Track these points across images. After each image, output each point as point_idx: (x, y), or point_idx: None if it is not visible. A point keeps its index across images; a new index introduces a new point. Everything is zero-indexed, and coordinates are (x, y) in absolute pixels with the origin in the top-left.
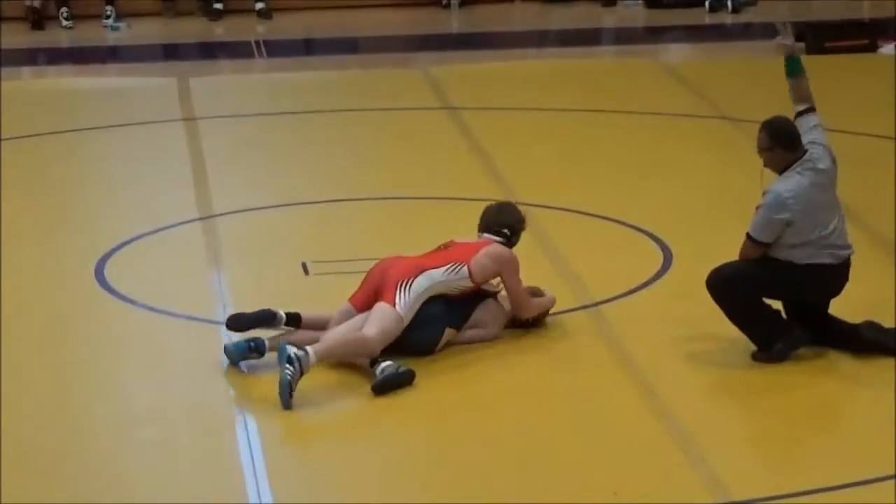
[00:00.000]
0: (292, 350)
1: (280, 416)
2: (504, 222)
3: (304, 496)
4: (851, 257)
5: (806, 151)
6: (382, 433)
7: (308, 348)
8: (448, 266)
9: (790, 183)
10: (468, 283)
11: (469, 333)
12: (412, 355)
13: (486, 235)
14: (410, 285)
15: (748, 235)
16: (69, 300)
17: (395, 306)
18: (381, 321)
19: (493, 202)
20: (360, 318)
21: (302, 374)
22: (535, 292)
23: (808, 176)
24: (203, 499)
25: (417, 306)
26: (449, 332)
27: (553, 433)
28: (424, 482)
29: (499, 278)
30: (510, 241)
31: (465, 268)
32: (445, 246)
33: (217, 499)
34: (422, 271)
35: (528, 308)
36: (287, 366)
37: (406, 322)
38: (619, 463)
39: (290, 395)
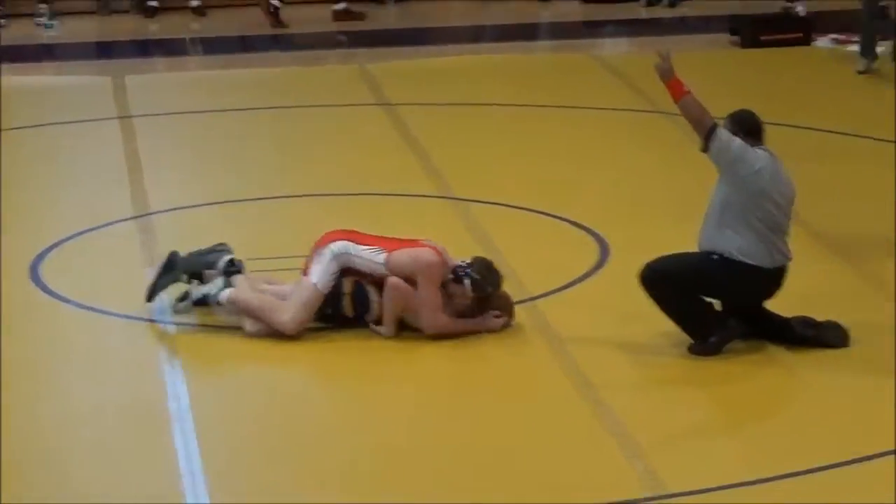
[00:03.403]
0: (218, 279)
1: (219, 415)
2: (473, 267)
3: (241, 496)
4: (788, 265)
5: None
6: (317, 434)
7: (229, 290)
8: (370, 247)
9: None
10: (382, 270)
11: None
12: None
13: (457, 272)
14: (324, 251)
15: (713, 126)
16: (4, 300)
17: (309, 277)
18: (296, 296)
19: (487, 260)
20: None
21: (206, 297)
22: (502, 301)
23: (775, 161)
24: (141, 499)
25: (334, 269)
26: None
27: (487, 426)
28: (363, 485)
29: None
30: (471, 288)
31: (384, 255)
32: (403, 239)
33: (155, 499)
34: (342, 240)
35: (432, 323)
36: (197, 284)
37: (324, 289)
38: (554, 456)
39: (180, 301)
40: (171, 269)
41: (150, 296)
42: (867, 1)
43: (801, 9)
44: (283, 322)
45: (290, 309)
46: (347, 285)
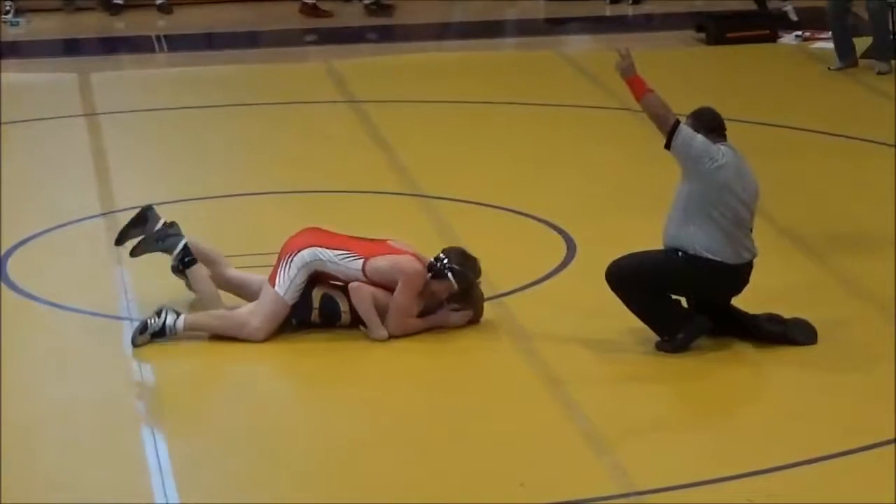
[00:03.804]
0: (167, 308)
1: (188, 413)
2: (450, 259)
3: (210, 496)
4: (754, 261)
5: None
6: (286, 431)
7: (182, 316)
8: (344, 252)
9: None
10: (360, 277)
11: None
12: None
13: (435, 268)
14: (293, 260)
15: (676, 123)
16: None
17: (275, 286)
18: (261, 305)
19: (460, 248)
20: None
21: (164, 328)
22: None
23: (738, 157)
24: (110, 497)
25: (301, 280)
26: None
27: (458, 424)
28: (330, 482)
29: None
30: (455, 282)
31: (361, 261)
32: (376, 239)
33: (124, 497)
34: (311, 247)
35: (399, 327)
36: (154, 315)
37: (290, 300)
38: (524, 454)
39: (140, 333)
40: (143, 222)
41: (119, 241)
42: (832, 1)
43: (789, 8)
44: (249, 333)
45: (255, 319)
46: (317, 298)
